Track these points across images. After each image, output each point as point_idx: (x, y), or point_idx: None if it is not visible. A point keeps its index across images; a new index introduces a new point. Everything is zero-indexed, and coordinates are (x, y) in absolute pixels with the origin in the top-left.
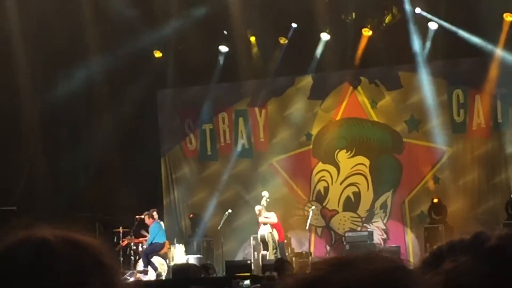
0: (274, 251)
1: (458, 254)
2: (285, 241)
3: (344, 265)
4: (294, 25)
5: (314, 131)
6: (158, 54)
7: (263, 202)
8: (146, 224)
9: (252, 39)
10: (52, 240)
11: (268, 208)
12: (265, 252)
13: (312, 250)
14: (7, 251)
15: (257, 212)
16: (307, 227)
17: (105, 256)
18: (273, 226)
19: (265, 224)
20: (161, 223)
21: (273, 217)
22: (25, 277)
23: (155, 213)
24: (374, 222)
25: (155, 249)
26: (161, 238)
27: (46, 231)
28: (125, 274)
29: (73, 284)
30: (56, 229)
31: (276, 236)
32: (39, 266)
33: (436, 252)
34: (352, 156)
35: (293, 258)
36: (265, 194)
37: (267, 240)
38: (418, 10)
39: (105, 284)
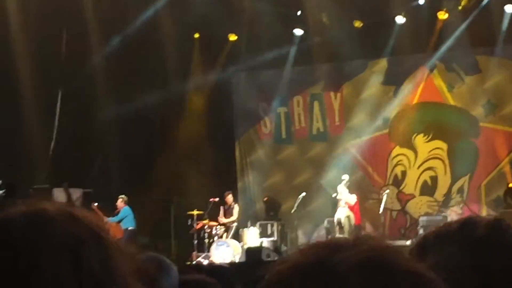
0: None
1: (445, 244)
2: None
3: (336, 247)
4: (368, 7)
5: (390, 115)
6: (233, 37)
7: (343, 185)
8: (117, 208)
9: (327, 22)
10: (50, 210)
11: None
12: (340, 236)
13: (386, 233)
14: (4, 218)
15: (338, 195)
16: (380, 211)
17: (101, 229)
18: (350, 208)
19: (343, 206)
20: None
21: (352, 199)
22: (21, 240)
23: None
24: (451, 206)
25: (124, 235)
26: (130, 223)
27: (47, 204)
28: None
29: (67, 249)
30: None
31: (353, 220)
32: (34, 231)
33: (422, 242)
34: (430, 140)
35: None
36: (345, 177)
37: (343, 224)
38: None
39: (99, 253)
